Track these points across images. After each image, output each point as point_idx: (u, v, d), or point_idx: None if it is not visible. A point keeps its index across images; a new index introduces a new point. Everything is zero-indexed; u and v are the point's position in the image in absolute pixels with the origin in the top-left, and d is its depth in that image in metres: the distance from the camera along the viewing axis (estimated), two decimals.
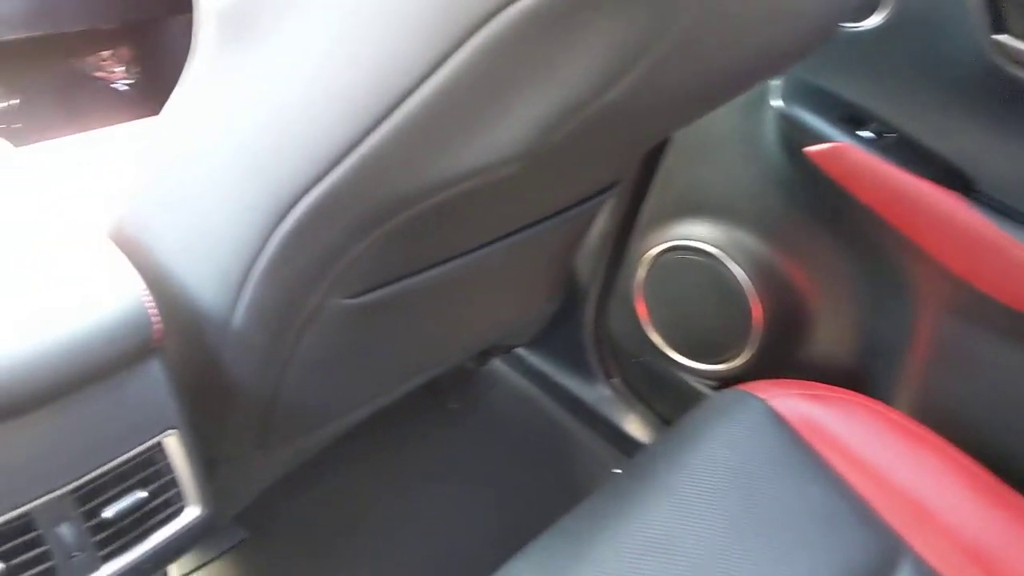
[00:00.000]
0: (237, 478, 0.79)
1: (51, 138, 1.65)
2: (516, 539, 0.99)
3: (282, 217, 0.47)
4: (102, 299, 0.52)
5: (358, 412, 0.80)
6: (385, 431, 1.00)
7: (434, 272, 0.63)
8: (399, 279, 0.61)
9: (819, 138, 0.77)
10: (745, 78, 0.51)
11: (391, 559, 0.97)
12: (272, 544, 0.96)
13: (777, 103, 0.79)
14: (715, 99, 0.52)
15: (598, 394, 1.10)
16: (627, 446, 1.09)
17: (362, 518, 0.99)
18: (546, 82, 0.38)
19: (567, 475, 1.08)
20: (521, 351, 1.15)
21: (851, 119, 0.77)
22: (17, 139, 1.61)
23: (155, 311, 0.54)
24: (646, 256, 0.98)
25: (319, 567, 0.96)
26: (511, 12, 0.34)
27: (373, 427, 0.86)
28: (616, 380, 1.10)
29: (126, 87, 1.77)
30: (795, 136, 0.79)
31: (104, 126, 1.71)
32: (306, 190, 0.44)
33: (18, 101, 1.68)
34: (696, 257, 0.93)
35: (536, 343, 1.14)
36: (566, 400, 1.12)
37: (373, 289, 0.59)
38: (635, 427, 1.09)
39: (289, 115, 0.42)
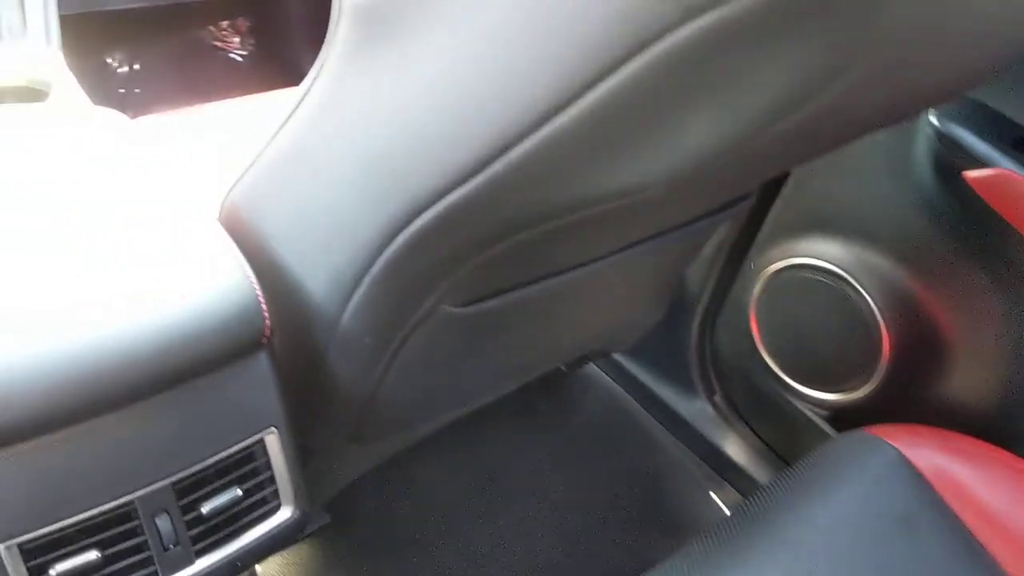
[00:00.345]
0: (328, 468, 0.78)
1: (168, 103, 1.69)
2: (597, 552, 0.96)
3: (406, 224, 0.44)
4: (215, 291, 0.51)
5: (453, 412, 0.78)
6: (473, 428, 0.98)
7: (548, 283, 0.60)
8: (512, 289, 0.57)
9: (981, 162, 0.69)
10: (935, 98, 0.45)
11: (468, 558, 0.95)
12: (352, 531, 0.96)
13: (934, 120, 0.72)
14: (895, 120, 0.47)
15: (697, 409, 1.05)
16: (723, 467, 1.03)
17: (444, 514, 0.98)
18: (718, 105, 0.33)
19: (657, 490, 1.03)
20: (618, 356, 1.11)
21: (1019, 143, 0.69)
22: (136, 104, 1.65)
23: (265, 306, 0.53)
24: (765, 271, 0.92)
25: (396, 557, 0.95)
26: (689, 29, 0.29)
27: (461, 423, 0.83)
28: (718, 397, 1.04)
29: (241, 57, 1.80)
30: (952, 158, 0.71)
31: (219, 94, 1.74)
32: (435, 199, 0.41)
33: (138, 67, 1.74)
34: (821, 278, 0.87)
35: (635, 350, 1.10)
36: (662, 412, 1.08)
37: (485, 299, 0.56)
38: (734, 448, 1.03)
39: (425, 120, 0.39)
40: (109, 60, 1.69)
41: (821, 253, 0.87)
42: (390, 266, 0.48)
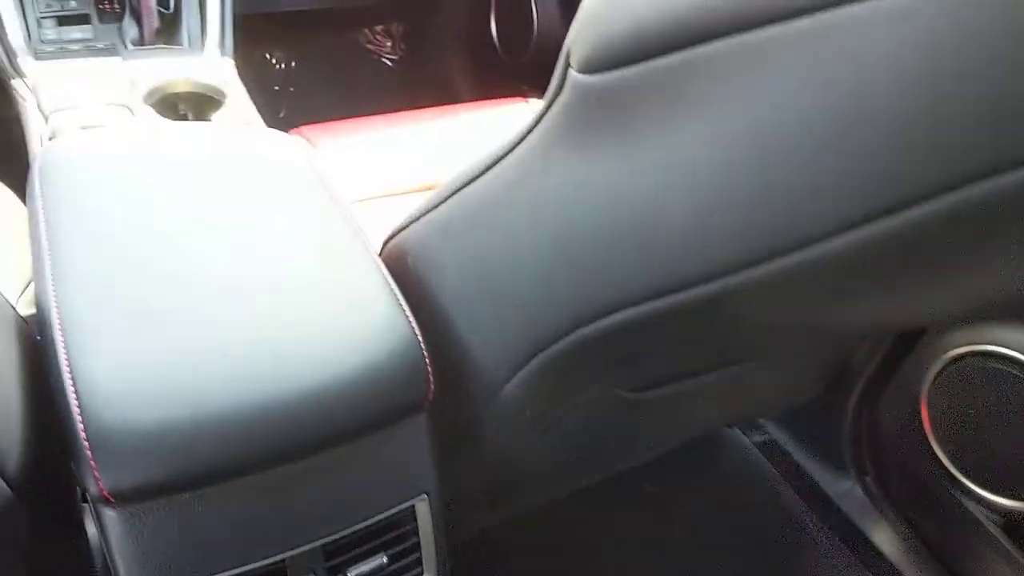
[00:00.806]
0: (456, 520, 0.76)
1: (319, 103, 1.73)
2: None
3: (595, 319, 0.40)
4: (384, 348, 0.49)
5: (596, 476, 0.74)
6: (598, 485, 0.93)
7: (728, 369, 0.55)
8: (692, 376, 0.53)
9: None
10: None
11: None
12: None
13: None
14: None
15: (845, 490, 0.97)
16: (868, 557, 0.95)
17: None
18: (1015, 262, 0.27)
19: (791, 573, 0.96)
20: (763, 420, 1.04)
21: None
22: (289, 101, 1.69)
23: (430, 367, 0.50)
24: (945, 355, 0.83)
25: None
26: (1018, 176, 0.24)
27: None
28: (870, 479, 0.96)
29: (391, 62, 1.83)
30: None
31: (368, 96, 1.77)
32: (644, 300, 0.37)
33: (295, 64, 1.79)
34: (1015, 371, 0.77)
35: (782, 415, 1.02)
36: (804, 486, 1.00)
37: (661, 384, 0.52)
38: (883, 538, 0.94)
39: (650, 217, 0.35)
40: (268, 56, 1.75)
41: (1017, 343, 0.77)
42: (571, 350, 0.44)
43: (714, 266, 0.32)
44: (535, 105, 1.11)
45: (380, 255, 0.58)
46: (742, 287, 0.32)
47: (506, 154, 0.44)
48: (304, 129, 1.01)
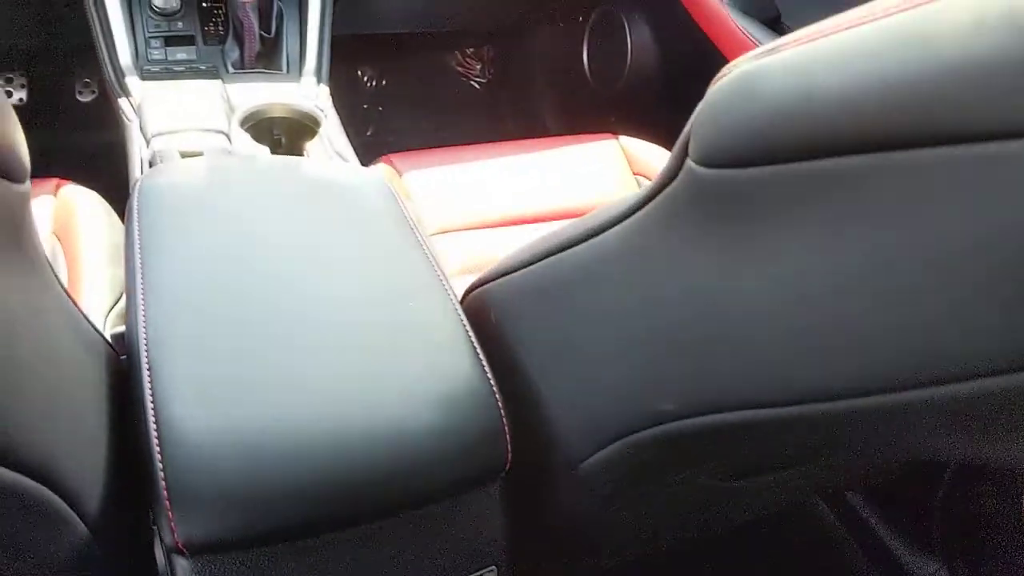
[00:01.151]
0: None
1: (406, 121, 1.74)
2: None
3: (690, 416, 0.38)
4: (463, 413, 0.47)
5: (668, 543, 0.71)
6: (673, 551, 0.89)
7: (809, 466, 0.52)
8: (787, 466, 0.50)
9: None
10: None
11: None
12: None
13: None
14: None
15: (931, 572, 0.90)
16: None
17: None
18: None
19: None
20: (848, 492, 0.98)
21: None
22: (378, 120, 1.70)
23: (508, 437, 0.48)
24: None
25: None
26: None
27: None
28: (960, 563, 0.89)
29: (479, 85, 1.83)
30: None
31: (454, 116, 1.78)
32: (734, 408, 0.34)
33: (386, 83, 1.81)
34: None
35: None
36: (886, 564, 0.94)
37: (752, 474, 0.49)
38: None
39: (750, 327, 0.32)
40: (360, 73, 1.78)
41: None
42: (659, 440, 0.42)
43: (824, 389, 0.30)
44: (625, 143, 1.09)
45: (462, 303, 0.56)
46: (852, 413, 0.29)
47: (607, 228, 0.42)
48: (392, 157, 1.02)
